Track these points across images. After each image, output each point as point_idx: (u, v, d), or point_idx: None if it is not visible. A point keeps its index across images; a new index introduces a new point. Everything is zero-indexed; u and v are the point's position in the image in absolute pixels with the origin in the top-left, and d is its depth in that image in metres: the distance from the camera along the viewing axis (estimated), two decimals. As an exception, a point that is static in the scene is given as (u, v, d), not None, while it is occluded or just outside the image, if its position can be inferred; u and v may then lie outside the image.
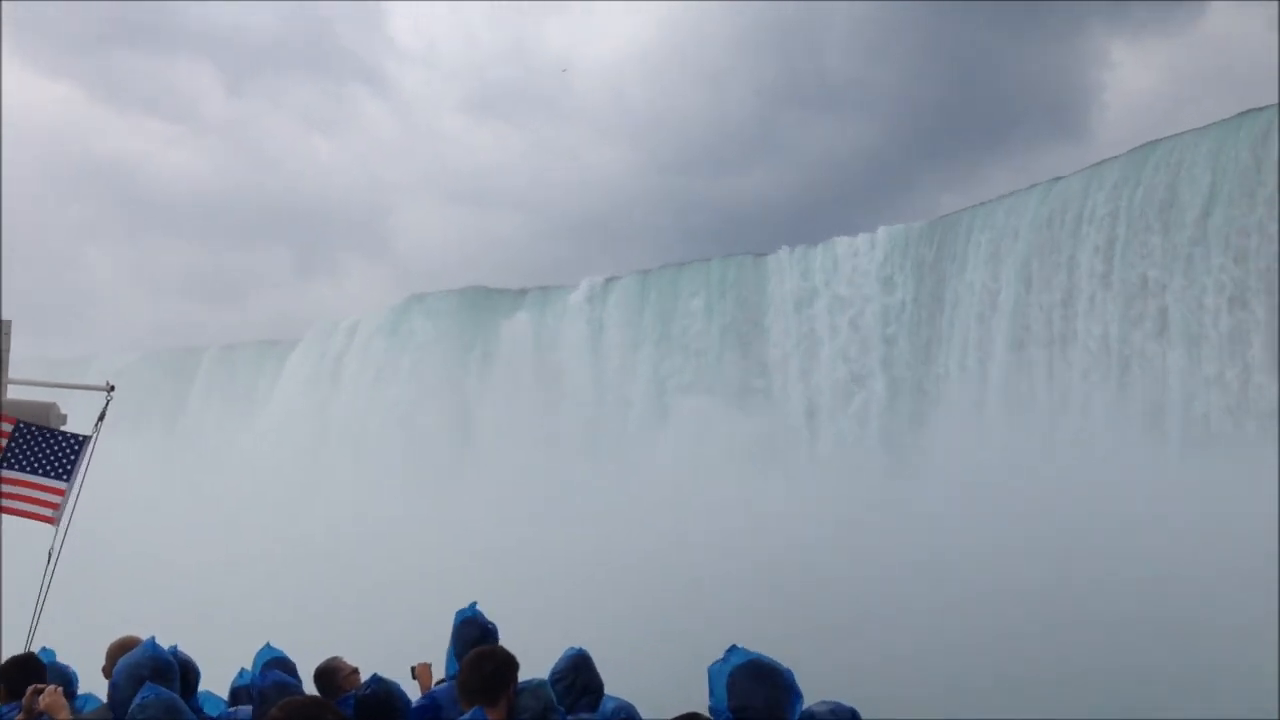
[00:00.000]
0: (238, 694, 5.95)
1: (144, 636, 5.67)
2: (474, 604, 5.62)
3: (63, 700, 5.17)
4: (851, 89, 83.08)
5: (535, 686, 5.18)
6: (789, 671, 4.87)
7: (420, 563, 30.32)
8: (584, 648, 5.92)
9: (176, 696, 4.78)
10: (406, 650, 7.09)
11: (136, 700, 4.62)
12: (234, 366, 57.90)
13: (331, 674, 6.43)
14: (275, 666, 5.80)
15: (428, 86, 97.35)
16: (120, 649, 5.84)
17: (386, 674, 5.86)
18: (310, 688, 6.08)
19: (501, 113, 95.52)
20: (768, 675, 4.76)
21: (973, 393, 38.13)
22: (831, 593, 24.47)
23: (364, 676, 5.92)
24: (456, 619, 6.16)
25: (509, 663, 5.22)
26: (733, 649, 4.91)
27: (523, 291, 53.35)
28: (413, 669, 6.60)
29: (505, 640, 6.27)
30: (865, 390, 39.74)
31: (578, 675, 5.59)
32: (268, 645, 5.78)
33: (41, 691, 5.24)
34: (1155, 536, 23.57)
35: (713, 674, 4.89)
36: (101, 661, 6.08)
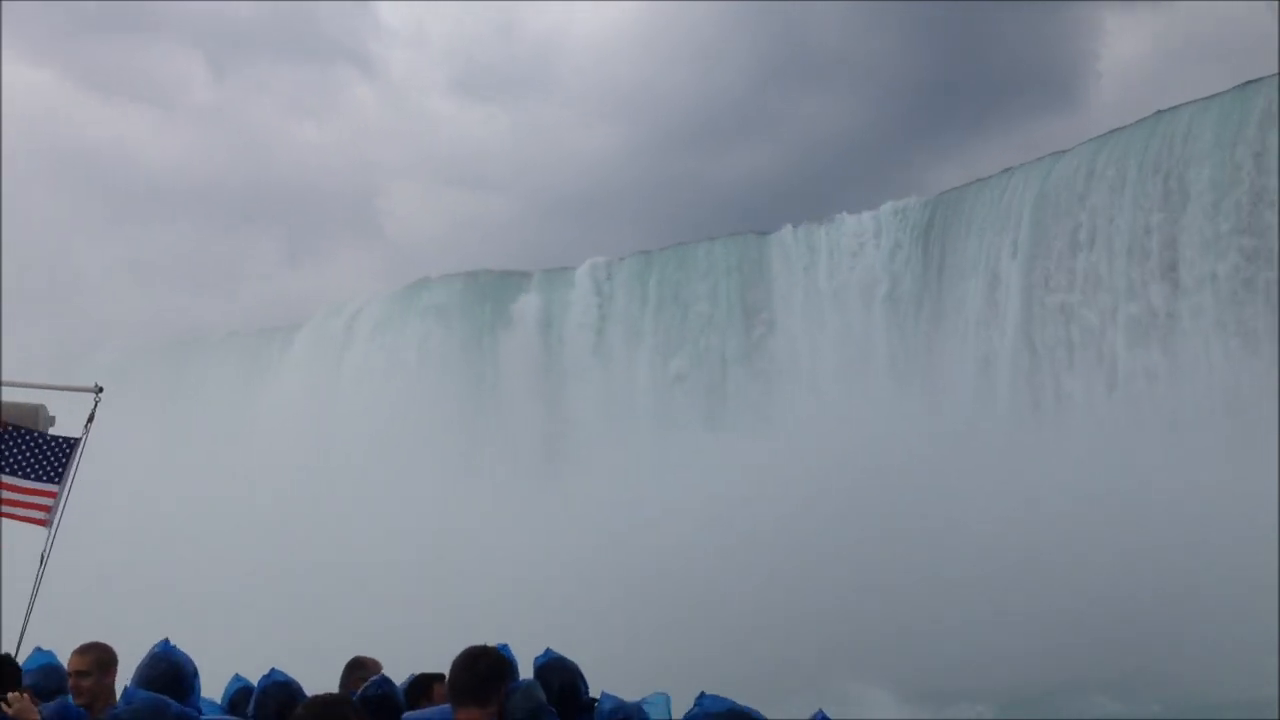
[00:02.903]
0: (235, 700, 5.98)
1: (144, 638, 5.71)
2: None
3: (30, 706, 5.18)
4: (843, 64, 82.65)
5: (527, 687, 5.18)
6: (756, 715, 4.80)
7: (438, 560, 30.38)
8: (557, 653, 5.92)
9: (162, 697, 4.76)
10: (420, 650, 7.07)
11: (121, 703, 4.63)
12: (232, 357, 56.74)
13: (356, 668, 6.44)
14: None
15: (416, 68, 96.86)
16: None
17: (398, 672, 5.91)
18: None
19: (491, 94, 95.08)
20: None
21: (980, 369, 38.12)
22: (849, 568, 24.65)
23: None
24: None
25: (503, 663, 5.21)
26: (702, 696, 4.84)
27: (527, 274, 53.27)
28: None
29: (522, 636, 6.27)
30: (872, 365, 39.65)
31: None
32: (273, 669, 5.78)
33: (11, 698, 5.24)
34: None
35: None
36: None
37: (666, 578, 25.55)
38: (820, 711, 4.30)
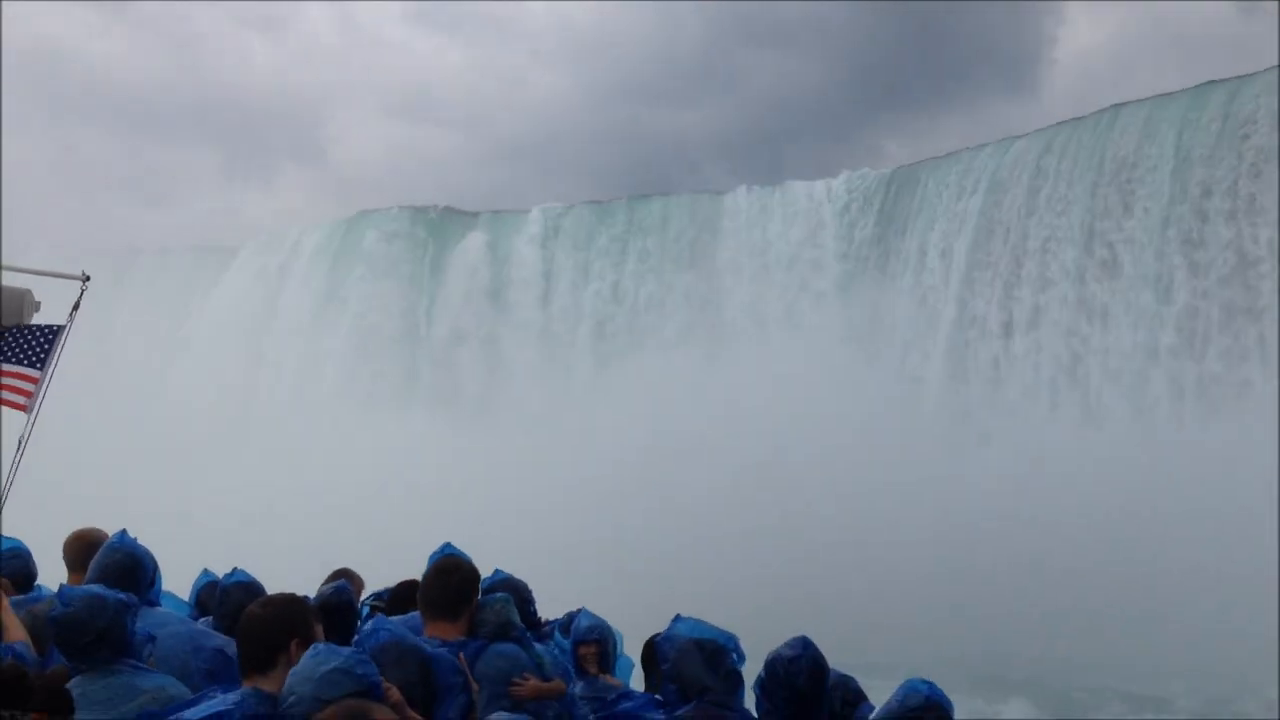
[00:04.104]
0: (202, 596, 5.83)
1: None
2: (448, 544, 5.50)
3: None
4: (807, 28, 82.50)
5: (498, 602, 5.12)
6: (731, 641, 4.92)
7: (368, 490, 30.14)
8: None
9: (97, 590, 4.52)
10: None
11: (58, 603, 4.41)
12: (165, 275, 55.17)
13: (338, 577, 6.35)
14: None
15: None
16: (79, 544, 5.68)
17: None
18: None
19: (446, 26, 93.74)
20: (710, 648, 4.82)
21: (922, 343, 38.53)
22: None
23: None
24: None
25: (473, 576, 5.16)
26: (677, 619, 4.94)
27: (476, 214, 52.70)
28: None
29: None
30: (819, 332, 39.82)
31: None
32: (235, 569, 5.65)
33: None
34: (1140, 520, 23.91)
35: (658, 644, 4.89)
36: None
37: (604, 522, 25.60)
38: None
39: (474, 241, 50.39)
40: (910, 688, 4.74)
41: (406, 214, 52.22)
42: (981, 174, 39.16)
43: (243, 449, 35.47)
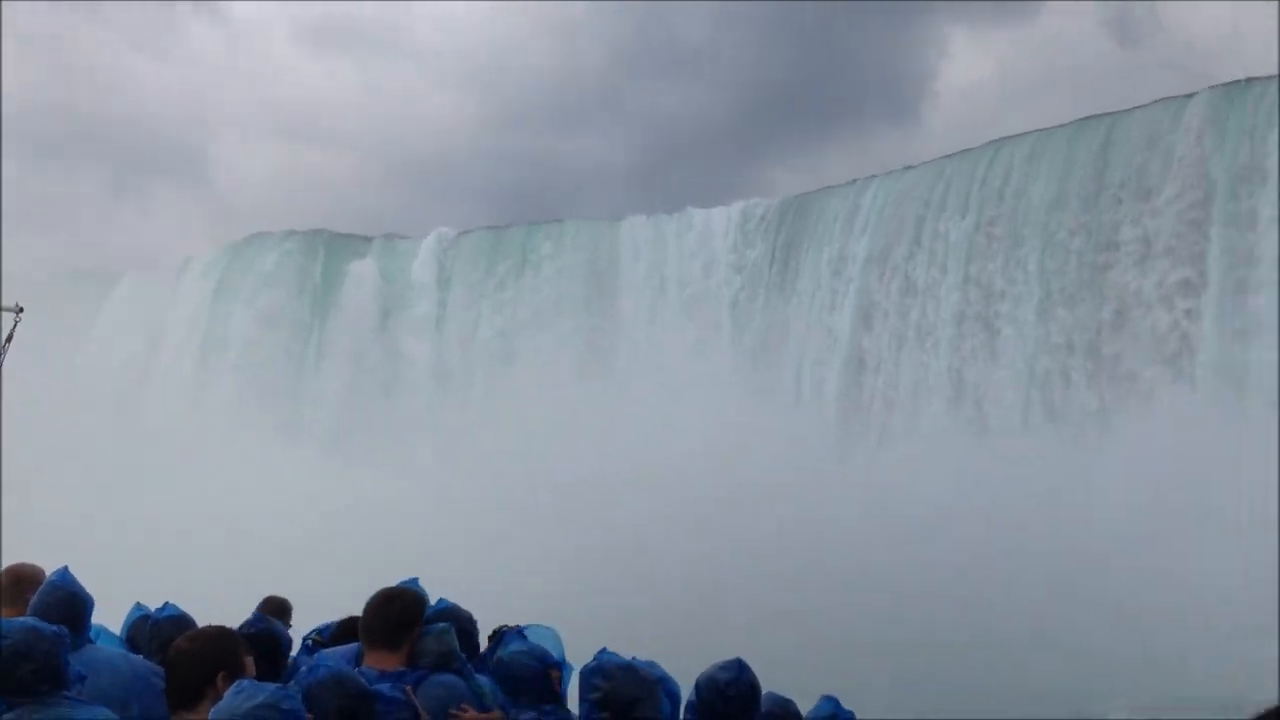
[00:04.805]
0: (133, 631, 5.70)
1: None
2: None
3: None
4: (698, 57, 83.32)
5: (439, 632, 5.10)
6: (659, 669, 4.94)
7: (251, 523, 29.52)
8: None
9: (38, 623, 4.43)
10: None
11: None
12: (44, 302, 53.60)
13: (264, 605, 6.26)
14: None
15: (260, 12, 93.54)
16: (11, 578, 5.52)
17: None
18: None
19: (338, 47, 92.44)
20: (642, 676, 4.82)
21: (816, 371, 39.14)
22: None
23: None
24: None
25: (416, 605, 5.12)
26: (603, 652, 4.95)
27: (368, 239, 52.08)
28: None
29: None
30: (713, 361, 40.16)
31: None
32: (167, 603, 5.55)
33: None
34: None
35: (585, 675, 4.93)
36: None
37: (499, 557, 25.40)
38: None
39: (366, 268, 49.80)
40: (818, 707, 4.85)
41: (296, 239, 51.37)
42: (873, 204, 40.05)
43: (138, 477, 34.52)
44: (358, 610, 5.21)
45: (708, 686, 4.89)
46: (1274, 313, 28.86)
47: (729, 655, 5.06)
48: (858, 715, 5.01)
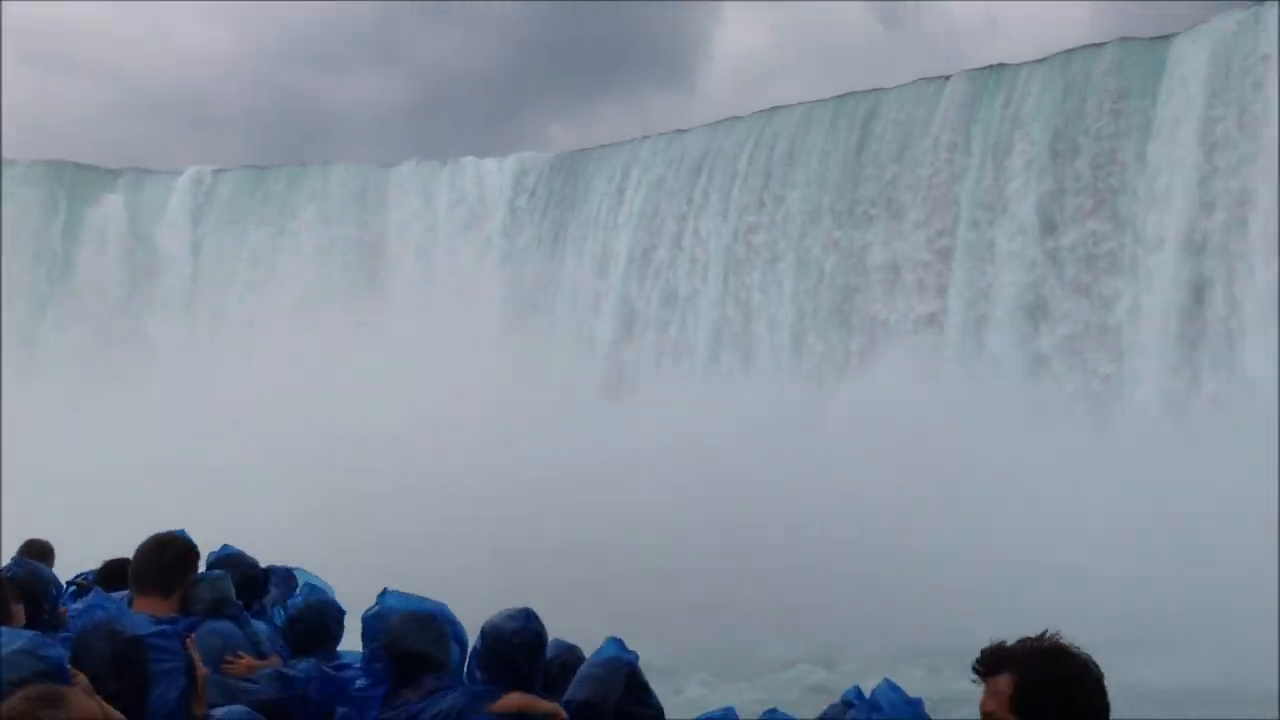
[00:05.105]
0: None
1: None
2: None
3: None
4: (475, 5, 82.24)
5: (214, 579, 4.88)
6: (446, 610, 4.89)
7: None
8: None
9: None
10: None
11: None
12: None
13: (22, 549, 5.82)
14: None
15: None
16: None
17: None
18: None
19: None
20: (427, 620, 4.76)
21: (585, 327, 39.48)
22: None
23: None
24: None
25: (189, 551, 4.88)
26: (385, 593, 4.85)
27: (117, 171, 49.17)
28: None
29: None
30: (482, 316, 39.79)
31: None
32: None
33: None
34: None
35: (366, 621, 4.81)
36: None
37: (253, 509, 24.51)
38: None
39: (113, 203, 47.09)
40: (601, 649, 4.88)
41: (41, 169, 48.09)
42: (647, 165, 40.51)
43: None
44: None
45: (493, 635, 4.79)
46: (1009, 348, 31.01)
47: (505, 598, 5.00)
48: (635, 649, 5.00)
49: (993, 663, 2.80)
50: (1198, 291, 29.31)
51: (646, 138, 42.02)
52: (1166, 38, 32.19)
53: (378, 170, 46.27)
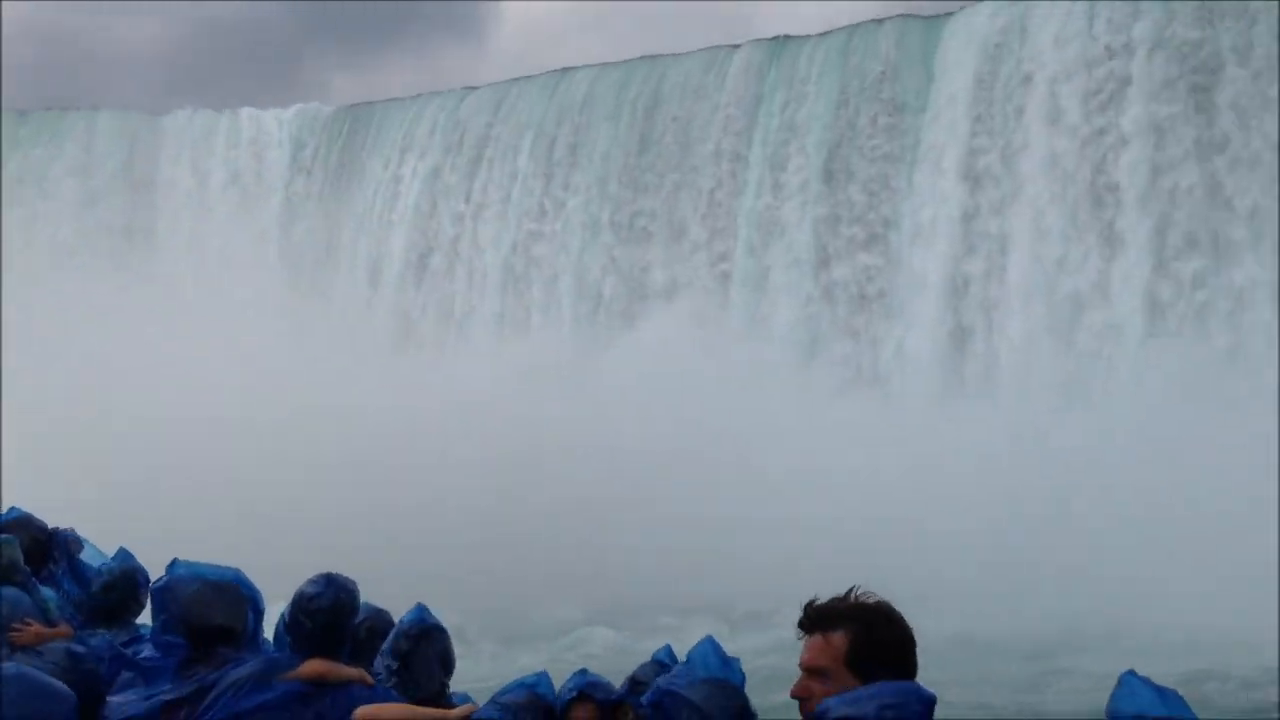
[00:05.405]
0: None
1: None
2: None
3: None
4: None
5: (1, 543, 4.60)
6: (241, 577, 4.74)
7: None
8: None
9: None
10: None
11: None
12: None
13: None
14: None
15: None
16: None
17: None
18: None
19: None
20: (223, 587, 4.62)
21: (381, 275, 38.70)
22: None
23: None
24: None
25: (-29, 517, 4.60)
26: (174, 563, 4.68)
27: None
28: None
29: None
30: (260, 276, 38.30)
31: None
32: None
33: None
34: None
35: (156, 593, 4.64)
36: None
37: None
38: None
39: None
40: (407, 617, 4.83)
41: None
42: (436, 119, 39.76)
43: None
44: None
45: (296, 602, 4.68)
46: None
47: (287, 568, 4.88)
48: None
49: (828, 619, 2.85)
50: (958, 339, 29.69)
51: (435, 94, 41.18)
52: (943, 18, 32.74)
53: (148, 118, 43.95)
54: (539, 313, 35.84)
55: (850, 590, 2.90)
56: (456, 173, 38.50)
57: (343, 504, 22.69)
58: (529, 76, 39.43)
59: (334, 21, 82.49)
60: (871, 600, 2.87)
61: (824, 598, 2.91)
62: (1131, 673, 3.01)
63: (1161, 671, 2.77)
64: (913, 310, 30.27)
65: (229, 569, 4.77)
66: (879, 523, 20.97)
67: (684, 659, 3.92)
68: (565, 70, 38.80)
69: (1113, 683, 2.72)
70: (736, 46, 35.94)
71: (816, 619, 2.86)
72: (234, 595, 4.66)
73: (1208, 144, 27.66)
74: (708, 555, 20.74)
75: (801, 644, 2.91)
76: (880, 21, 34.00)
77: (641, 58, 37.90)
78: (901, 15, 33.91)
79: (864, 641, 2.79)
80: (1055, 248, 28.55)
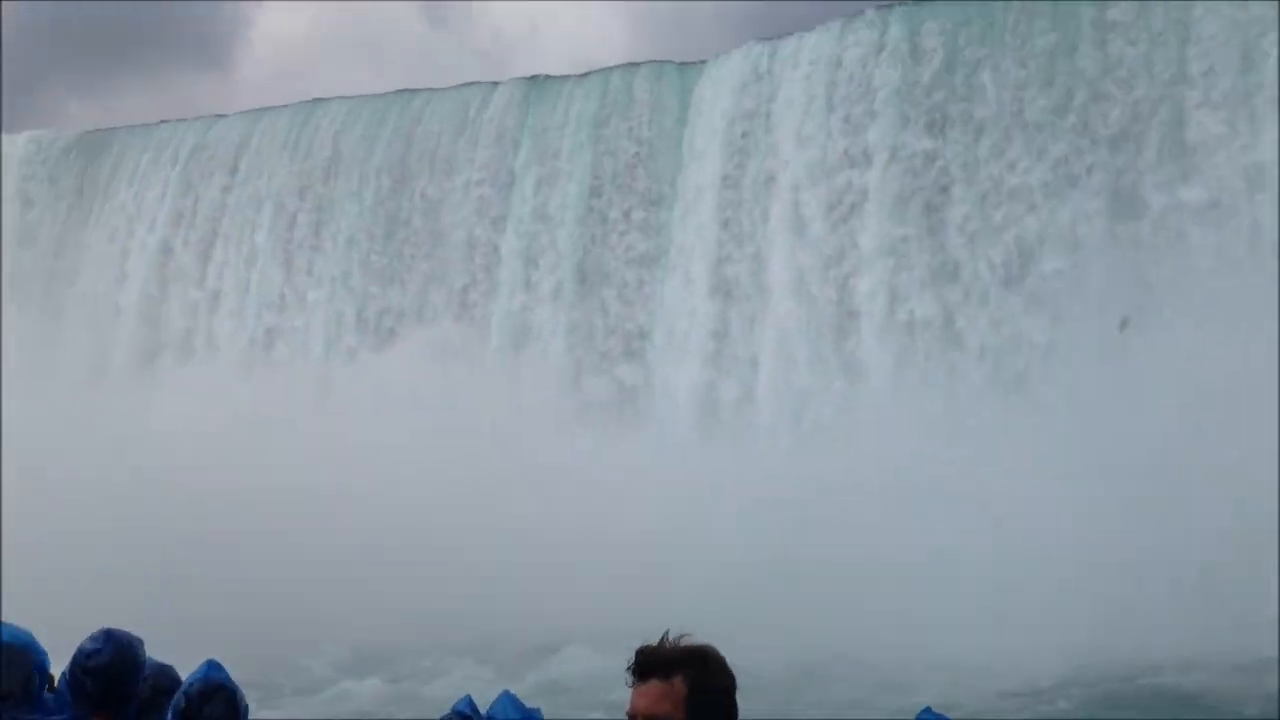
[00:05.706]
0: None
1: None
2: None
3: None
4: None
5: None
6: (27, 636, 4.50)
7: None
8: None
9: None
10: None
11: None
12: None
13: None
14: None
15: None
16: None
17: None
18: None
19: None
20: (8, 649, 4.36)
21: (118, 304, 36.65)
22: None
23: None
24: None
25: None
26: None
27: None
28: None
29: None
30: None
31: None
32: None
33: None
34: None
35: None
36: None
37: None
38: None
39: None
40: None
41: None
42: (180, 149, 38.13)
43: None
44: None
45: (75, 660, 4.56)
46: None
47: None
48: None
49: (665, 664, 2.82)
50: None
51: (182, 120, 39.46)
52: (697, 66, 31.48)
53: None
54: None
55: (664, 635, 2.85)
56: (189, 251, 36.60)
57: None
58: (282, 106, 38.04)
59: (66, 44, 77.87)
60: (706, 648, 2.86)
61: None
62: (929, 709, 3.28)
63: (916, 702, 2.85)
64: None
65: (12, 627, 4.55)
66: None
67: (485, 712, 4.01)
68: (315, 101, 37.49)
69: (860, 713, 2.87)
70: (493, 91, 35.18)
71: (656, 664, 2.82)
72: (12, 655, 4.45)
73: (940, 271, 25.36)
74: (468, 600, 20.56)
75: (631, 690, 2.83)
76: (636, 65, 32.77)
77: (399, 91, 37.09)
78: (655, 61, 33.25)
79: (703, 687, 2.79)
80: (803, 376, 26.34)
